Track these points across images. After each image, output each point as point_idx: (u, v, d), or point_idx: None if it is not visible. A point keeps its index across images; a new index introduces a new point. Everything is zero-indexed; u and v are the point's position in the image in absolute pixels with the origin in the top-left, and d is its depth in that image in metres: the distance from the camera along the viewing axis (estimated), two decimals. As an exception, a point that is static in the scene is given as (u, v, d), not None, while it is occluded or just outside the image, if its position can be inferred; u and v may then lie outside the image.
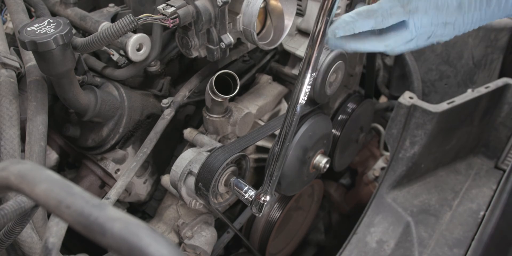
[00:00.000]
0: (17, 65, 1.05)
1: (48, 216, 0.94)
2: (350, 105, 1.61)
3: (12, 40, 1.26)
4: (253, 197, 1.10)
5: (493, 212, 1.28)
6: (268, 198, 1.09)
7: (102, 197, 1.16)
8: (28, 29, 0.85)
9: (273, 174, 1.07)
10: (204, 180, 1.12)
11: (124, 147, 1.32)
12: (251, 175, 1.54)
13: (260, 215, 1.12)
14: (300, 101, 0.94)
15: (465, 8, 0.83)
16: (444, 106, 1.57)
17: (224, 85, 1.16)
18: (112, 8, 1.32)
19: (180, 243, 1.34)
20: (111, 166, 1.31)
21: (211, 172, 1.11)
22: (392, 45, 0.89)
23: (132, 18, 0.95)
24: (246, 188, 1.13)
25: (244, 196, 1.12)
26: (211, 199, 1.15)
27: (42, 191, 0.43)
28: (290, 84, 1.54)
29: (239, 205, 1.65)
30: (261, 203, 1.09)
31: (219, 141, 1.30)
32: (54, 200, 0.42)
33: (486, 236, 1.19)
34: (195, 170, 1.13)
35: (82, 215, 0.40)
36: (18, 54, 1.12)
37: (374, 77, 2.05)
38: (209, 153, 1.16)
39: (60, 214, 0.41)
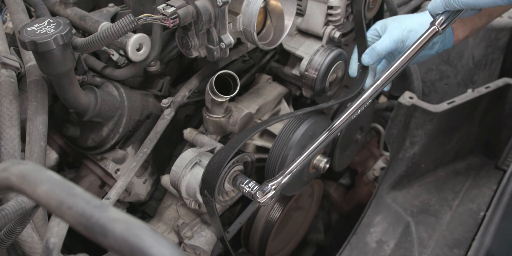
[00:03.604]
0: (17, 65, 1.05)
1: (49, 216, 0.94)
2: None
3: (12, 40, 1.26)
4: (255, 189, 1.10)
5: (494, 212, 1.28)
6: (280, 183, 1.10)
7: (102, 197, 1.16)
8: (28, 29, 0.85)
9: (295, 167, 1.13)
10: (210, 177, 1.12)
11: (124, 147, 1.32)
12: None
13: (262, 202, 1.12)
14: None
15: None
16: (444, 106, 1.57)
17: (224, 85, 1.16)
18: (111, 8, 1.32)
19: (180, 243, 1.34)
20: (111, 166, 1.31)
21: (218, 168, 1.10)
22: None
23: (132, 18, 0.95)
24: (247, 180, 1.14)
25: (245, 188, 1.12)
26: (217, 196, 1.15)
27: (44, 192, 0.42)
28: (290, 84, 1.54)
29: (239, 205, 1.65)
30: (268, 189, 1.09)
31: (219, 141, 1.30)
32: (55, 201, 0.41)
33: (487, 236, 1.19)
34: (205, 160, 1.14)
35: (84, 216, 0.40)
36: (18, 54, 1.12)
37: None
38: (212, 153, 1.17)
39: (62, 215, 0.41)
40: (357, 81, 1.32)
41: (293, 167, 1.14)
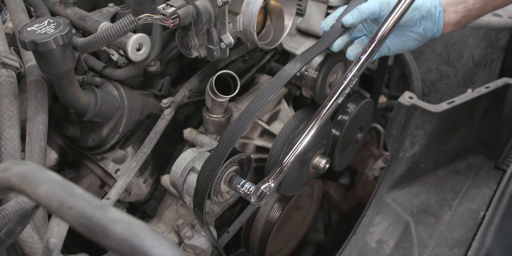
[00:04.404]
0: (17, 65, 1.05)
1: (49, 216, 0.94)
2: (350, 105, 1.60)
3: (12, 40, 1.26)
4: (251, 190, 1.10)
5: (494, 212, 1.28)
6: (271, 185, 1.09)
7: (102, 197, 1.16)
8: (28, 29, 0.85)
9: (286, 165, 1.10)
10: (205, 178, 1.11)
11: (124, 147, 1.32)
12: (251, 175, 1.53)
13: (257, 204, 1.11)
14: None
15: None
16: (444, 106, 1.57)
17: (224, 85, 1.16)
18: (111, 8, 1.32)
19: (180, 243, 1.34)
20: (111, 166, 1.31)
21: (213, 170, 1.10)
22: None
23: (132, 18, 0.95)
24: (243, 181, 1.13)
25: (241, 189, 1.12)
26: (213, 197, 1.15)
27: (44, 192, 0.42)
28: (290, 84, 1.54)
29: (239, 205, 1.65)
30: (262, 191, 1.09)
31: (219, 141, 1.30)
32: (56, 202, 0.41)
33: (487, 236, 1.19)
34: (198, 166, 1.13)
35: (84, 217, 0.40)
36: (18, 54, 1.12)
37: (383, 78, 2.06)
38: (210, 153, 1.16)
39: (62, 216, 0.41)
40: (326, 34, 1.21)
41: (287, 162, 1.13)
